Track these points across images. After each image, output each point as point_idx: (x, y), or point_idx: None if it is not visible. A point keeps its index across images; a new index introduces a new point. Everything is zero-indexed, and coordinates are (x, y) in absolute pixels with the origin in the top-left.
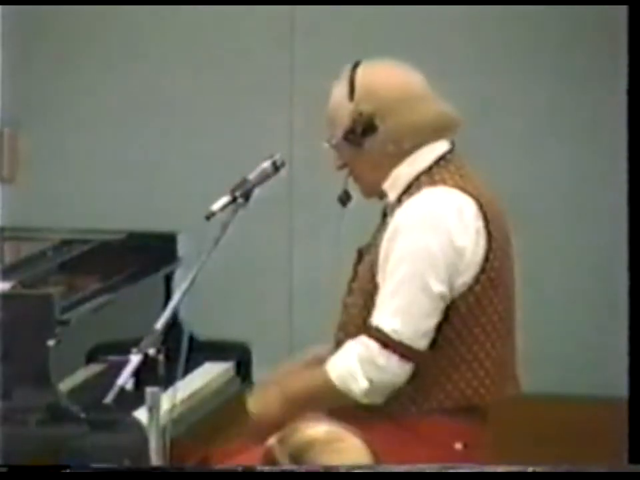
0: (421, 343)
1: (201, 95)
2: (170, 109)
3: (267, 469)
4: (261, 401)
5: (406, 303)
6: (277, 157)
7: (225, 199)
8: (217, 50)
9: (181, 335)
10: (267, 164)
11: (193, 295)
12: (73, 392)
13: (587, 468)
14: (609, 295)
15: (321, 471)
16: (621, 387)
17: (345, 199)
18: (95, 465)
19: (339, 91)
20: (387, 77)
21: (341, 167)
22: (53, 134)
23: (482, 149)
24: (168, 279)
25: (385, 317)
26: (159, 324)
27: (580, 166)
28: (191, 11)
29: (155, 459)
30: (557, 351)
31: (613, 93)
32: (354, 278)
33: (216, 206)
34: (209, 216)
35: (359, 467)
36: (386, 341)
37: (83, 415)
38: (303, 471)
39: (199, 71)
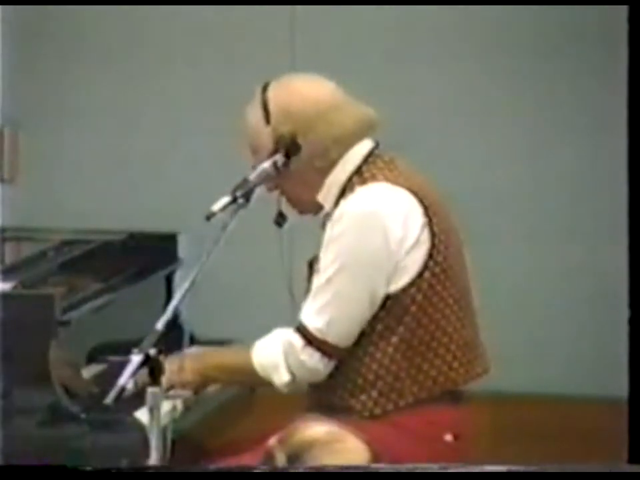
0: (346, 341)
1: (201, 95)
2: (171, 109)
3: (267, 468)
4: (177, 364)
5: (332, 303)
6: (277, 157)
7: (225, 199)
8: (217, 50)
9: (181, 335)
10: (267, 164)
11: (193, 295)
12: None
13: (586, 468)
14: (609, 295)
15: (321, 471)
16: (621, 387)
17: (280, 220)
18: (94, 465)
19: (254, 116)
20: (299, 95)
21: (272, 189)
22: (53, 134)
23: (482, 149)
24: (169, 280)
25: (310, 314)
26: (160, 324)
27: (580, 166)
28: (191, 11)
29: (155, 459)
30: (557, 351)
31: (613, 93)
32: (308, 290)
33: (216, 206)
34: (210, 216)
35: (358, 467)
36: (310, 339)
37: (83, 415)
38: (303, 471)
39: (199, 71)
